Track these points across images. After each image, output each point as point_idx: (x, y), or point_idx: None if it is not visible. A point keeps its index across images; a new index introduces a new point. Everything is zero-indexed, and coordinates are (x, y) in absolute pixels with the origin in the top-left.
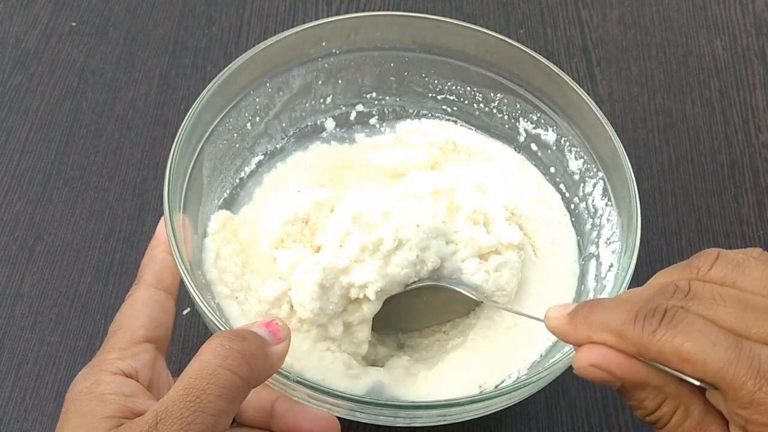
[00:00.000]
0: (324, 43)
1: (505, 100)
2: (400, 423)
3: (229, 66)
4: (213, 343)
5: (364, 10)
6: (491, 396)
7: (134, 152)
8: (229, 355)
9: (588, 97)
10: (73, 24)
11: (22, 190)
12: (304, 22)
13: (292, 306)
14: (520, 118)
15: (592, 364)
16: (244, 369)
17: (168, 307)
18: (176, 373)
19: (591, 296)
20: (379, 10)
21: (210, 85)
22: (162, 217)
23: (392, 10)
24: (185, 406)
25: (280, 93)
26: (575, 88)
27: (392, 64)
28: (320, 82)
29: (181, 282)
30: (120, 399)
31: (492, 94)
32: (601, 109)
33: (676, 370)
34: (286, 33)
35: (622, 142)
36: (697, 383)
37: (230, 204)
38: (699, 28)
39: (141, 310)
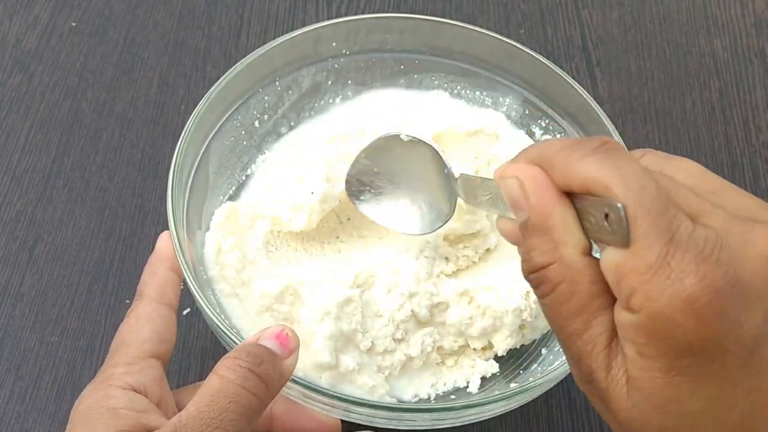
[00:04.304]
0: (334, 44)
1: (514, 105)
2: (394, 425)
3: (238, 63)
4: (231, 363)
5: (364, 10)
6: (487, 401)
7: (134, 152)
8: (249, 377)
9: (597, 105)
10: (73, 24)
11: (22, 190)
12: (304, 22)
13: (295, 298)
14: (530, 124)
15: (515, 174)
16: (263, 391)
17: (170, 322)
18: (175, 374)
19: None
20: (378, 10)
21: (219, 81)
22: (163, 233)
23: (392, 11)
24: (205, 422)
25: (290, 92)
26: (584, 95)
27: (402, 66)
28: (330, 82)
29: (183, 282)
30: (132, 414)
31: (501, 99)
32: (602, 108)
33: (595, 194)
34: (297, 32)
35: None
36: (619, 205)
37: (235, 201)
38: (699, 28)
39: (145, 324)
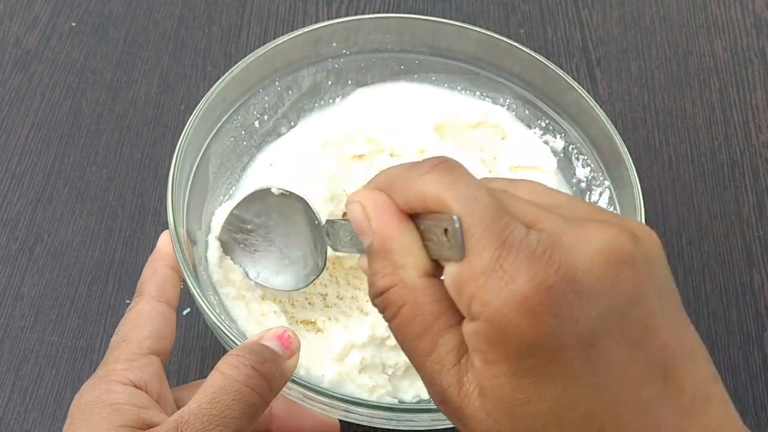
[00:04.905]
0: (334, 44)
1: (514, 105)
2: (393, 425)
3: (238, 63)
4: (234, 360)
5: (364, 11)
6: None
7: (134, 152)
8: (252, 375)
9: (597, 105)
10: (73, 24)
11: (22, 190)
12: (304, 23)
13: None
14: (530, 124)
15: (359, 200)
16: (266, 390)
17: (170, 320)
18: (175, 374)
19: None
20: (378, 10)
21: (219, 81)
22: (164, 232)
23: (392, 11)
24: (208, 419)
25: (289, 92)
26: (585, 96)
27: (402, 66)
28: (330, 83)
29: (183, 282)
30: (134, 409)
31: (501, 99)
32: (602, 108)
33: (434, 212)
34: (297, 32)
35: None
36: (454, 217)
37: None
38: (699, 28)
39: (145, 322)
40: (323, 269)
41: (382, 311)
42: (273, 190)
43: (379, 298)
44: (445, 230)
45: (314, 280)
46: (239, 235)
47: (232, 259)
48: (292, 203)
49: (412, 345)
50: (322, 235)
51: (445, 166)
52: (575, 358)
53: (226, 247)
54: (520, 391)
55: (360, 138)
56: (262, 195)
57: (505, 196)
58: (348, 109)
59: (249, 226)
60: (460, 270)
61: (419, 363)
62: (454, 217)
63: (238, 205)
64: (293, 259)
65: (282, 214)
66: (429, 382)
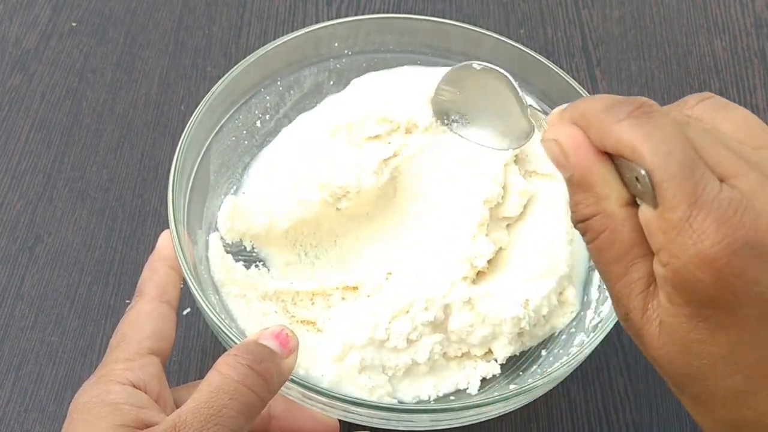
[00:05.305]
0: (335, 44)
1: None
2: (393, 426)
3: (239, 64)
4: (232, 360)
5: (364, 11)
6: (486, 403)
7: (134, 152)
8: (249, 374)
9: None
10: (73, 24)
11: (22, 190)
12: (304, 23)
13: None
14: None
15: (556, 138)
16: (263, 389)
17: (170, 320)
18: (175, 374)
19: (593, 306)
20: (378, 11)
21: (220, 81)
22: (163, 232)
23: (392, 11)
24: (206, 418)
25: (291, 92)
26: (585, 96)
27: (403, 66)
28: (331, 83)
29: (183, 281)
30: (132, 409)
31: None
32: None
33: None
34: (298, 32)
35: None
36: (643, 172)
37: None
38: (699, 28)
39: (145, 322)
40: (531, 135)
41: (582, 234)
42: (474, 65)
43: (581, 224)
44: (636, 178)
45: (524, 144)
46: (451, 103)
47: (448, 126)
48: (495, 76)
49: (607, 267)
50: (527, 117)
51: (641, 112)
52: (752, 315)
53: (439, 112)
54: (696, 333)
55: (371, 120)
56: (464, 69)
57: (705, 140)
58: (352, 96)
59: (459, 93)
60: (651, 217)
61: (610, 284)
62: (643, 172)
63: (443, 79)
64: (504, 122)
65: (487, 85)
66: (616, 302)
